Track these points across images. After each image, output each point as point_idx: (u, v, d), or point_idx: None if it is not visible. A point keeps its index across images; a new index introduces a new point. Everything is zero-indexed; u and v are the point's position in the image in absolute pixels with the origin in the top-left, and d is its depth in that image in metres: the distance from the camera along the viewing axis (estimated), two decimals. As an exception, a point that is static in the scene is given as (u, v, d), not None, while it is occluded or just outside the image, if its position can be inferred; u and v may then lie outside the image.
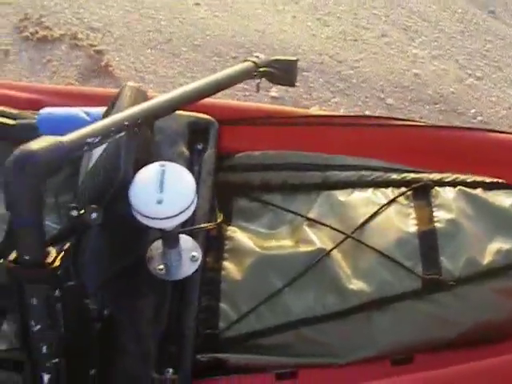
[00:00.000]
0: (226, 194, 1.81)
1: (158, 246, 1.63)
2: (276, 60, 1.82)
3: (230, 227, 1.74)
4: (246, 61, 1.78)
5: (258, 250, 1.66)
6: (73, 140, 1.29)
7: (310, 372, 1.51)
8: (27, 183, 1.22)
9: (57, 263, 1.31)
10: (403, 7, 3.41)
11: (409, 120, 2.02)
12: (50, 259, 1.30)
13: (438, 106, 2.96)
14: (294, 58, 1.84)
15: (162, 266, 1.61)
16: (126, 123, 1.40)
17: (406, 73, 3.09)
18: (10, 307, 1.59)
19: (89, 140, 1.32)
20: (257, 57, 1.79)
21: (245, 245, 1.68)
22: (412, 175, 1.76)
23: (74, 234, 1.49)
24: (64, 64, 3.28)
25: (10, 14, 3.56)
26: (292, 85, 1.88)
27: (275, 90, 3.00)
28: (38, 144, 1.25)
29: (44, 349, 1.35)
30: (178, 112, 1.83)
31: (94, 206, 1.39)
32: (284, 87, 2.95)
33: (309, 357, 1.53)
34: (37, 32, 3.44)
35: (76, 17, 3.52)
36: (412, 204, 1.69)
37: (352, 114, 2.63)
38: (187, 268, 1.62)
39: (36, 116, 1.91)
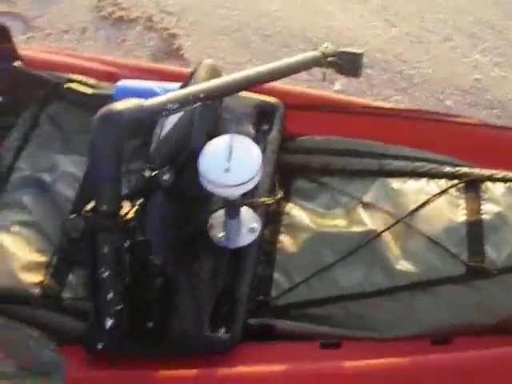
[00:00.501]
0: (287, 174, 1.91)
1: (220, 215, 1.73)
2: (343, 52, 1.89)
3: (288, 204, 1.84)
4: (315, 50, 1.86)
5: (313, 226, 1.76)
6: (154, 104, 1.40)
7: (352, 344, 1.58)
8: (110, 138, 1.33)
9: (129, 216, 1.42)
10: (470, 14, 3.43)
11: (466, 117, 2.08)
12: (123, 211, 1.41)
13: (495, 111, 3.00)
14: (360, 51, 1.91)
15: (222, 234, 1.72)
16: (203, 95, 1.49)
17: (467, 77, 3.13)
18: (78, 260, 1.71)
19: (168, 106, 1.42)
20: (325, 47, 1.87)
21: (301, 221, 1.78)
22: (465, 169, 1.82)
23: (147, 192, 1.59)
24: (138, 44, 3.40)
25: (90, -6, 3.70)
26: (357, 76, 1.94)
27: (339, 84, 3.07)
28: (123, 104, 1.36)
29: (110, 295, 1.46)
30: (247, 94, 1.94)
31: (166, 167, 1.50)
32: (348, 82, 3.03)
33: (352, 329, 1.61)
34: (114, 12, 3.56)
35: (152, 0, 3.64)
36: (463, 196, 1.76)
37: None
38: (246, 238, 1.73)
39: (113, 87, 2.04)
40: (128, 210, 1.42)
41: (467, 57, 3.23)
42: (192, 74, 1.82)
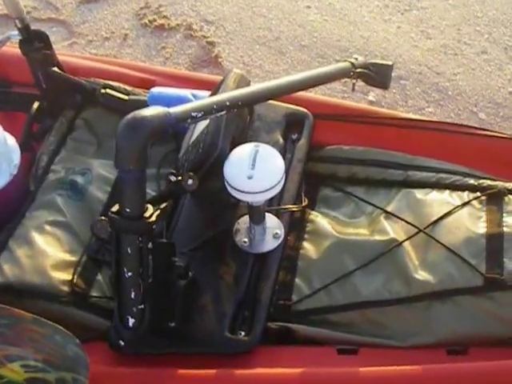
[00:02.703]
0: (313, 182, 1.95)
1: (245, 220, 1.78)
2: (372, 63, 1.92)
3: (313, 212, 1.88)
4: (344, 61, 1.89)
5: (335, 234, 1.79)
6: (179, 111, 1.44)
7: (369, 351, 1.61)
8: (136, 143, 1.38)
9: (153, 219, 1.46)
10: (506, 27, 3.43)
11: (490, 130, 2.09)
12: (147, 214, 1.46)
13: (528, 125, 3.01)
14: (389, 63, 1.93)
15: (246, 239, 1.76)
16: (228, 103, 1.52)
17: (501, 90, 3.12)
18: (107, 261, 1.76)
19: (193, 114, 1.45)
20: (355, 58, 1.90)
21: (324, 228, 1.81)
22: (488, 182, 1.84)
23: (171, 197, 1.64)
24: (177, 52, 3.46)
25: (131, 2, 3.77)
26: (385, 87, 1.97)
27: (373, 95, 3.09)
28: (148, 111, 1.40)
29: (132, 294, 1.51)
30: (277, 103, 1.99)
31: (190, 173, 1.54)
32: (381, 93, 3.06)
33: (370, 336, 1.64)
34: (155, 20, 3.64)
35: (192, 9, 3.70)
36: (484, 208, 1.77)
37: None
38: (269, 244, 1.77)
39: (147, 94, 2.09)
40: (152, 212, 1.46)
41: (502, 70, 3.23)
42: (221, 83, 1.87)
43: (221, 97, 1.55)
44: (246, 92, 1.60)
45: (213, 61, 3.38)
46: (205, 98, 1.62)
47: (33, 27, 2.07)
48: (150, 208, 1.47)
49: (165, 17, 3.64)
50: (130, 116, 1.39)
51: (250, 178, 1.56)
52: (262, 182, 1.57)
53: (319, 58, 3.34)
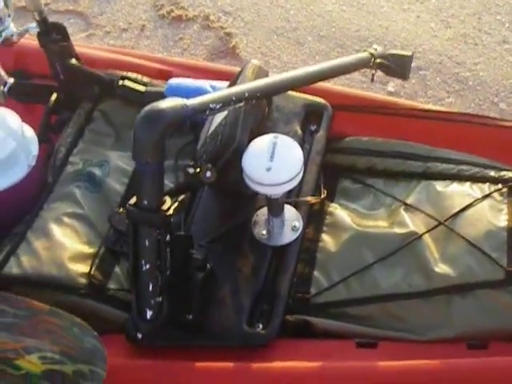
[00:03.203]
0: (332, 174, 1.93)
1: (263, 212, 1.77)
2: (392, 53, 1.89)
3: (332, 204, 1.86)
4: (363, 51, 1.88)
5: (354, 226, 1.77)
6: (197, 103, 1.42)
7: (389, 345, 1.60)
8: (153, 135, 1.37)
9: (170, 211, 1.46)
10: (527, 15, 3.42)
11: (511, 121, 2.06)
12: (165, 207, 1.45)
13: (550, 115, 2.97)
14: (409, 53, 1.91)
15: (264, 232, 1.75)
16: (246, 95, 1.51)
17: (523, 80, 3.12)
18: (125, 253, 1.76)
19: (211, 105, 1.44)
20: (374, 49, 1.88)
21: (343, 221, 1.80)
22: (509, 174, 1.82)
23: (189, 189, 1.63)
24: (194, 43, 3.45)
25: (149, -8, 3.77)
26: (404, 78, 1.95)
27: (392, 85, 3.07)
28: (166, 103, 1.39)
29: (150, 287, 1.51)
30: (295, 93, 1.97)
31: (208, 165, 1.53)
32: (401, 83, 3.03)
33: (389, 330, 1.62)
34: (172, 11, 3.62)
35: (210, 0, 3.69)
36: (506, 201, 1.75)
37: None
38: (288, 236, 1.76)
39: (165, 85, 2.08)
40: (170, 205, 1.46)
41: (524, 59, 3.20)
42: (239, 74, 1.85)
43: (239, 88, 1.54)
44: (265, 83, 1.59)
45: (230, 52, 3.37)
46: (223, 89, 1.61)
47: (51, 19, 2.06)
48: (168, 200, 1.46)
49: (182, 8, 3.63)
50: (147, 108, 1.38)
51: (268, 170, 1.55)
52: (280, 174, 1.56)
53: (338, 48, 3.32)
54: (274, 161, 1.55)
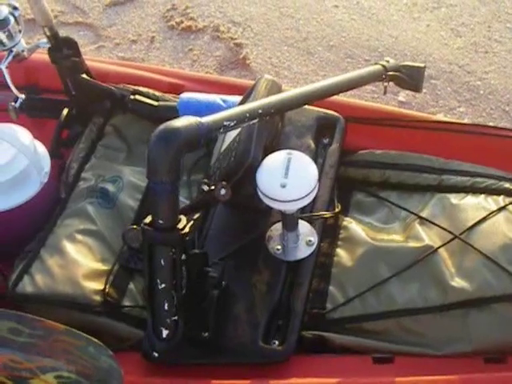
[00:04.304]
0: (346, 187, 1.93)
1: (278, 227, 1.77)
2: (404, 65, 1.90)
3: (346, 218, 1.86)
4: (376, 64, 1.87)
5: (370, 240, 1.77)
6: (211, 121, 1.42)
7: (405, 360, 1.59)
8: (168, 154, 1.36)
9: (186, 230, 1.45)
10: (538, 23, 3.41)
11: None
12: (180, 225, 1.45)
13: (562, 123, 2.96)
14: (421, 65, 1.91)
15: (279, 247, 1.75)
16: (260, 111, 1.51)
17: (534, 88, 3.11)
18: (139, 269, 1.76)
19: (225, 123, 1.44)
20: (387, 61, 1.88)
21: (358, 235, 1.79)
22: (524, 186, 1.81)
23: (204, 206, 1.63)
24: (204, 54, 3.44)
25: (158, 4, 3.76)
26: (418, 90, 1.95)
27: (403, 95, 3.06)
28: (180, 122, 1.38)
29: (166, 306, 1.50)
30: (308, 107, 1.97)
31: (223, 182, 1.53)
32: (412, 93, 3.02)
33: (406, 345, 1.62)
34: (182, 22, 3.62)
35: (219, 10, 3.68)
36: (520, 213, 1.74)
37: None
38: (303, 251, 1.76)
39: (177, 99, 2.08)
40: (185, 224, 1.45)
41: (535, 67, 3.19)
42: (252, 89, 1.85)
43: (253, 105, 1.54)
44: (279, 99, 1.59)
45: (241, 62, 3.37)
46: (236, 106, 1.61)
47: (60, 31, 2.06)
48: (183, 219, 1.45)
49: (192, 18, 3.63)
50: (161, 127, 1.37)
51: (283, 186, 1.55)
52: (295, 191, 1.55)
53: (348, 59, 3.31)
54: (289, 177, 1.55)
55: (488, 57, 3.26)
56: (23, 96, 2.18)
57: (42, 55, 2.13)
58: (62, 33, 2.08)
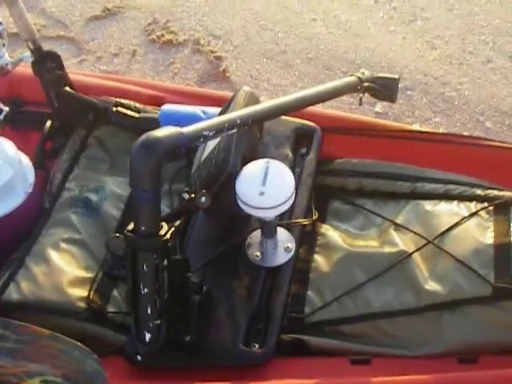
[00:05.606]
0: (323, 196, 1.97)
1: (256, 234, 1.81)
2: (379, 77, 1.93)
3: (323, 225, 1.90)
4: (351, 75, 1.91)
5: (346, 246, 1.81)
6: (191, 131, 1.46)
7: (382, 361, 1.63)
8: (150, 163, 1.40)
9: (168, 236, 1.49)
10: (511, 35, 3.42)
11: (496, 141, 2.12)
12: (162, 232, 1.49)
13: (535, 134, 3.02)
14: (395, 76, 1.95)
15: (258, 253, 1.79)
16: (239, 121, 1.54)
17: (507, 99, 3.14)
18: (122, 276, 1.79)
19: (205, 133, 1.47)
20: (362, 73, 1.91)
21: (335, 241, 1.84)
22: (495, 192, 1.86)
23: (185, 214, 1.67)
24: (185, 67, 3.48)
25: (139, 18, 3.80)
26: (392, 101, 1.98)
27: (380, 106, 3.11)
28: (162, 132, 1.43)
29: (149, 310, 1.53)
30: (286, 117, 2.01)
31: (203, 190, 1.57)
32: (388, 104, 3.07)
33: (382, 347, 1.66)
34: (163, 36, 3.66)
35: (200, 24, 3.72)
36: (492, 218, 1.79)
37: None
38: (281, 257, 1.80)
39: (158, 111, 2.12)
40: (167, 230, 1.49)
41: (508, 78, 3.24)
42: (231, 100, 1.90)
43: (232, 115, 1.57)
44: (257, 110, 1.62)
45: (221, 75, 3.41)
46: (215, 117, 1.65)
47: (42, 45, 2.10)
48: (165, 226, 1.49)
49: (172, 32, 3.67)
50: (143, 137, 1.41)
51: (261, 194, 1.59)
52: (273, 198, 1.59)
53: (326, 71, 3.36)
54: (267, 185, 1.59)
55: (462, 68, 3.32)
56: (7, 108, 2.22)
57: (26, 68, 2.16)
58: (44, 46, 2.12)
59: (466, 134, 2.92)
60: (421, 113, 3.12)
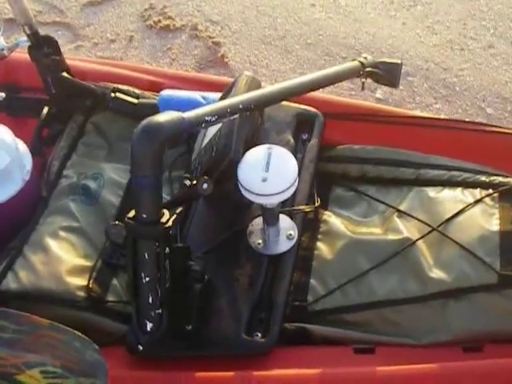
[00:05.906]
0: (325, 182, 1.95)
1: (258, 222, 1.79)
2: (381, 62, 1.91)
3: (326, 212, 1.88)
4: (354, 60, 1.88)
5: (349, 234, 1.79)
6: (193, 116, 1.43)
7: (386, 350, 1.62)
8: (150, 150, 1.38)
9: (169, 224, 1.47)
10: (512, 20, 3.45)
11: (500, 127, 2.09)
12: (164, 219, 1.46)
13: (537, 119, 3.00)
14: (398, 61, 1.92)
15: (260, 241, 1.77)
16: (241, 106, 1.52)
17: (509, 84, 3.12)
18: (122, 265, 1.77)
19: (207, 118, 1.45)
20: (364, 57, 1.89)
21: (338, 228, 1.82)
22: (500, 179, 1.84)
23: (186, 201, 1.65)
24: (183, 53, 3.46)
25: (136, 3, 3.77)
26: (394, 86, 1.96)
27: (380, 92, 3.09)
28: (163, 117, 1.40)
29: (150, 299, 1.51)
30: (287, 103, 1.99)
31: (205, 177, 1.55)
32: (389, 90, 3.06)
33: (386, 335, 1.64)
34: (160, 21, 3.63)
35: (197, 9, 3.69)
36: (497, 205, 1.77)
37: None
38: (284, 245, 1.78)
39: (157, 97, 2.10)
40: (168, 218, 1.47)
41: (509, 64, 3.23)
42: (232, 85, 1.87)
43: (234, 100, 1.55)
44: (259, 94, 1.60)
45: (219, 61, 3.39)
46: (217, 102, 1.62)
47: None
48: (166, 213, 1.47)
49: (170, 17, 3.64)
50: (144, 122, 1.39)
51: (264, 180, 1.56)
52: (276, 185, 1.57)
53: (325, 56, 3.34)
54: (270, 171, 1.57)
55: (463, 54, 3.31)
56: (3, 95, 2.19)
57: (22, 54, 2.13)
58: (40, 32, 2.08)
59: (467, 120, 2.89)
60: (422, 99, 3.11)
